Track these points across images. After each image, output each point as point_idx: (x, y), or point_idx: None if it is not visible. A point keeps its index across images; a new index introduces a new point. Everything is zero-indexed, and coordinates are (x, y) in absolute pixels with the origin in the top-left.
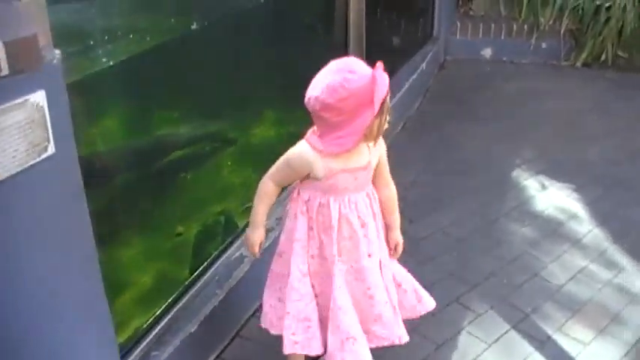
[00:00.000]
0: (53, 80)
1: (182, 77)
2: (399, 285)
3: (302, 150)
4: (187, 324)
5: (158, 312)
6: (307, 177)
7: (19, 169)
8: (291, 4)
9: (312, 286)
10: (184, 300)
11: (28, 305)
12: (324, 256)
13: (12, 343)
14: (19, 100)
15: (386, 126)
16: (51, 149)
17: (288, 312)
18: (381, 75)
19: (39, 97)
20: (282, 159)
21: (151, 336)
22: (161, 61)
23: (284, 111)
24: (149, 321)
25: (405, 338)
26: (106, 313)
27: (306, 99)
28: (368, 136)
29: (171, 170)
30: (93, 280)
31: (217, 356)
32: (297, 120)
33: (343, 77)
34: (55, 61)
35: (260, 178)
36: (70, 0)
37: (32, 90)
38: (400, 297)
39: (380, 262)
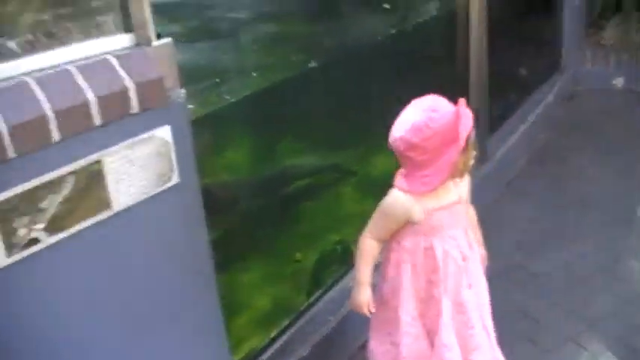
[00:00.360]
0: (178, 117)
1: (305, 111)
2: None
3: (396, 197)
4: (300, 348)
5: (273, 334)
6: (405, 224)
7: (146, 197)
8: (411, 38)
9: (423, 325)
10: (298, 324)
11: (150, 327)
12: (432, 295)
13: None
14: (147, 135)
15: (472, 161)
16: (175, 179)
17: (405, 357)
18: (464, 111)
19: (165, 132)
20: (377, 212)
21: (264, 357)
22: (285, 95)
23: None
24: (264, 343)
25: None
26: (223, 335)
27: (390, 139)
28: (454, 173)
29: (293, 199)
30: (211, 304)
31: None
32: None
33: (427, 116)
34: (180, 100)
35: None
36: (199, 40)
37: (159, 125)
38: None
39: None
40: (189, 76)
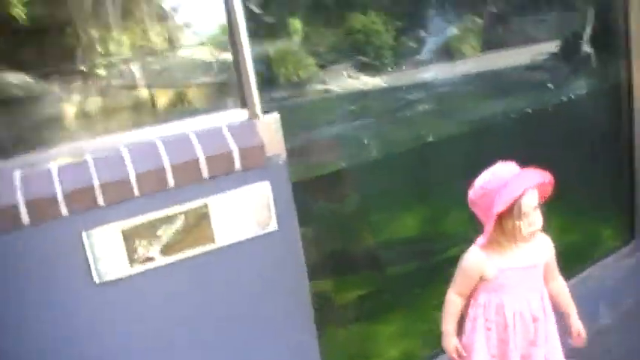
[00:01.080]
0: (278, 175)
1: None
2: None
3: (471, 252)
4: None
5: None
6: (482, 280)
7: (246, 237)
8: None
9: None
10: None
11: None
12: (504, 352)
13: None
14: (248, 187)
15: (531, 229)
16: (273, 226)
17: None
18: (516, 180)
19: (264, 186)
20: (458, 268)
21: None
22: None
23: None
24: None
25: None
26: None
27: None
28: (507, 236)
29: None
30: (308, 345)
31: None
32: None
33: (484, 178)
34: (280, 162)
35: None
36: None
37: (258, 180)
38: None
39: (545, 357)
40: None
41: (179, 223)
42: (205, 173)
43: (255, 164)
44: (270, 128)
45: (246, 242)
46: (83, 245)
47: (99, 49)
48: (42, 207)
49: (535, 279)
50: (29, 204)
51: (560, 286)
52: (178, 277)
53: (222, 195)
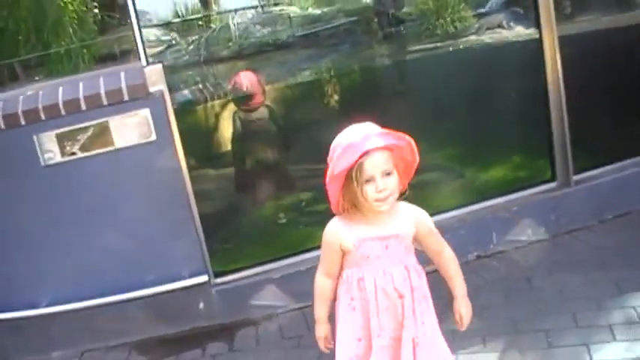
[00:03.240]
0: (157, 104)
1: None
2: None
3: (330, 223)
4: None
5: None
6: (344, 256)
7: (133, 143)
8: None
9: None
10: None
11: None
12: (370, 336)
13: None
14: (134, 112)
15: (380, 195)
16: (152, 137)
17: None
18: (361, 141)
19: (145, 111)
20: (322, 244)
21: None
22: None
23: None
24: None
25: None
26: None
27: None
28: (359, 205)
29: None
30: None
31: None
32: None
33: (336, 139)
34: (158, 95)
35: None
36: None
37: (141, 107)
38: None
39: (413, 340)
40: None
41: (90, 132)
42: (105, 102)
43: (138, 96)
44: (154, 73)
45: (135, 146)
46: (34, 143)
47: None
48: (10, 119)
49: (397, 251)
50: (5, 116)
51: (447, 260)
52: (92, 166)
53: (118, 116)
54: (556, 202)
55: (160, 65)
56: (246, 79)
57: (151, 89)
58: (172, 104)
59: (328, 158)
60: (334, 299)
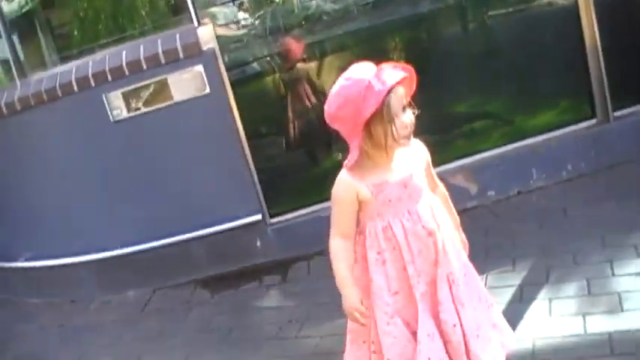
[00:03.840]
0: (209, 61)
1: None
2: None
3: (339, 179)
4: None
5: None
6: (361, 210)
7: (190, 97)
8: None
9: (407, 324)
10: None
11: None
12: (407, 285)
13: None
14: (189, 69)
15: (405, 131)
16: (206, 91)
17: (388, 359)
18: (379, 78)
19: (200, 68)
20: (332, 205)
21: None
22: None
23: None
24: None
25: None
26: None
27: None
28: (378, 147)
29: None
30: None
31: None
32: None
33: (339, 85)
34: (210, 52)
35: None
36: None
37: (196, 64)
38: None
39: (448, 277)
40: None
41: (152, 88)
42: (163, 61)
43: (193, 55)
44: (206, 33)
45: (192, 99)
46: (103, 101)
47: None
48: (81, 82)
49: (417, 188)
50: (77, 80)
51: (442, 194)
52: (155, 119)
53: (175, 73)
54: (595, 138)
55: (210, 26)
56: (292, 41)
57: (204, 47)
58: (224, 60)
59: (336, 106)
60: (355, 261)
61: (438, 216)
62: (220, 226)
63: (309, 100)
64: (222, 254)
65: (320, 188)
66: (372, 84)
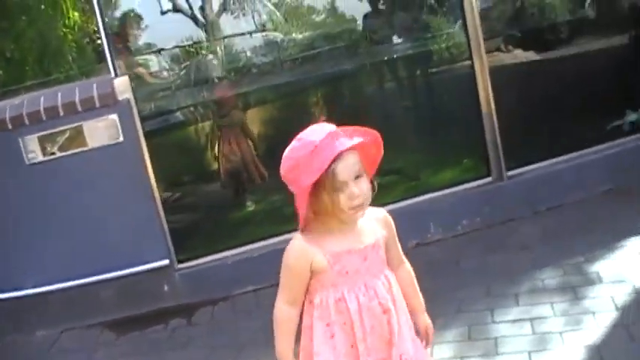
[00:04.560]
0: (125, 110)
1: None
2: None
3: (293, 243)
4: None
5: None
6: (314, 278)
7: (104, 144)
8: None
9: None
10: None
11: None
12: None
13: None
14: (105, 117)
15: (355, 202)
16: (120, 139)
17: None
18: (327, 142)
19: (115, 117)
20: (282, 270)
21: None
22: None
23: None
24: None
25: None
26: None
27: None
28: (329, 215)
29: None
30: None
31: None
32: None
33: (291, 146)
34: (125, 102)
35: None
36: None
37: (111, 113)
38: None
39: (401, 357)
40: None
41: (67, 134)
42: (80, 108)
43: (108, 104)
44: (122, 84)
45: (105, 147)
46: (19, 144)
47: None
48: None
49: (377, 261)
50: None
51: (407, 275)
52: (69, 164)
53: (91, 120)
54: (490, 195)
55: (126, 77)
56: (213, 92)
57: (119, 97)
58: (140, 111)
59: (286, 168)
60: (299, 331)
61: (395, 293)
62: (129, 269)
63: (223, 151)
64: (131, 297)
65: (228, 236)
66: (318, 149)
